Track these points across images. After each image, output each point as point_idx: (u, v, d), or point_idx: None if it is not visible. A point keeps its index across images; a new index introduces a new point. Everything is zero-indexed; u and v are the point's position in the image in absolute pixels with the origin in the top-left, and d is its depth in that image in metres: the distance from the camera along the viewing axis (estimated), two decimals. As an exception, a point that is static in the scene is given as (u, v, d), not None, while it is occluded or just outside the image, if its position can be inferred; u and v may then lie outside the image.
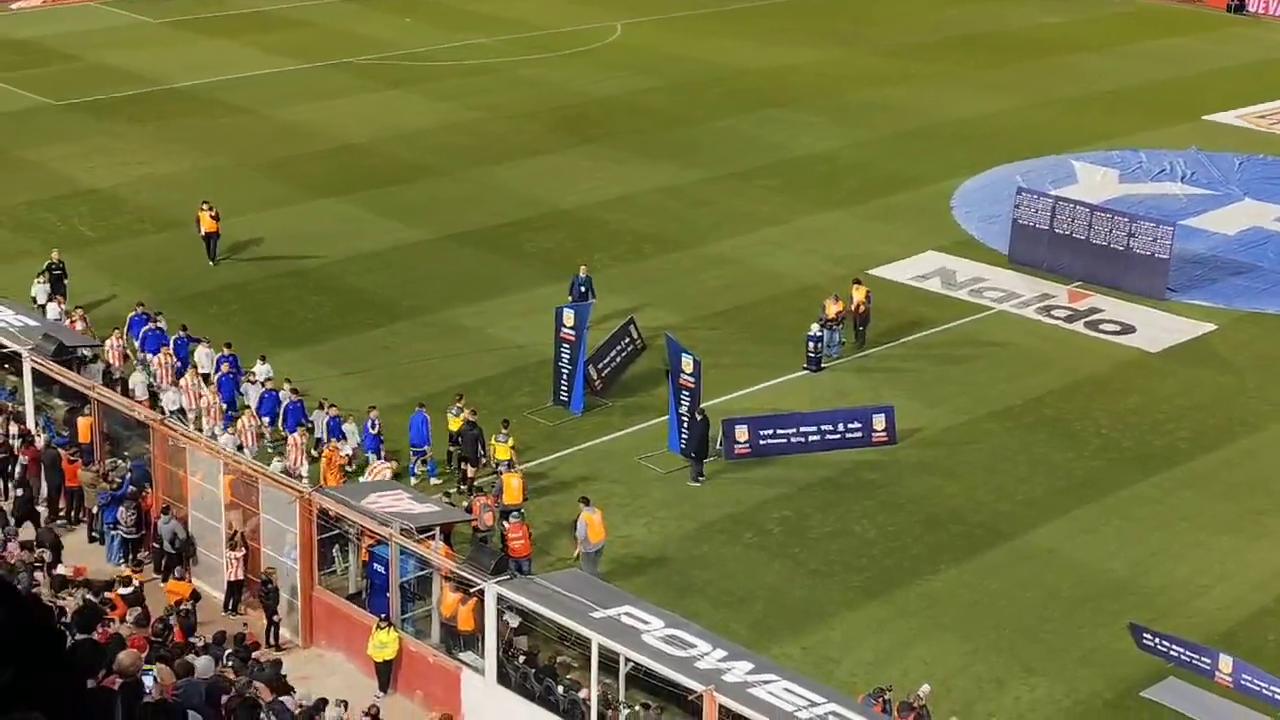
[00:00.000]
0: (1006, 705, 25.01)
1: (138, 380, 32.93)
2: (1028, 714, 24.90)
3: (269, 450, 31.28)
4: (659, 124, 54.55)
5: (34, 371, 31.58)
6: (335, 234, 43.86)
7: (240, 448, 30.22)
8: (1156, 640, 25.45)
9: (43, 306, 36.86)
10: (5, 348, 32.39)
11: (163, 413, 31.11)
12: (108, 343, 34.08)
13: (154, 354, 33.98)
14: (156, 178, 48.14)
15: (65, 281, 38.12)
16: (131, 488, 29.17)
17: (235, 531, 27.56)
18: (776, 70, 61.44)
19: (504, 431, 31.16)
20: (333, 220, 44.92)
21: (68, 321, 35.31)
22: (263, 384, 32.72)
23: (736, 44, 65.03)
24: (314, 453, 31.02)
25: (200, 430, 30.90)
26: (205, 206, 41.26)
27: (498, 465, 30.62)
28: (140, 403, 31.25)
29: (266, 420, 32.04)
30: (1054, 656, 26.40)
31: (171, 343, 34.28)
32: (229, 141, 51.52)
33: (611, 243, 43.72)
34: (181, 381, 32.88)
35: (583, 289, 37.64)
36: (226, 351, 33.59)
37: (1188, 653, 25.15)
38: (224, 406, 32.20)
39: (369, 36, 64.85)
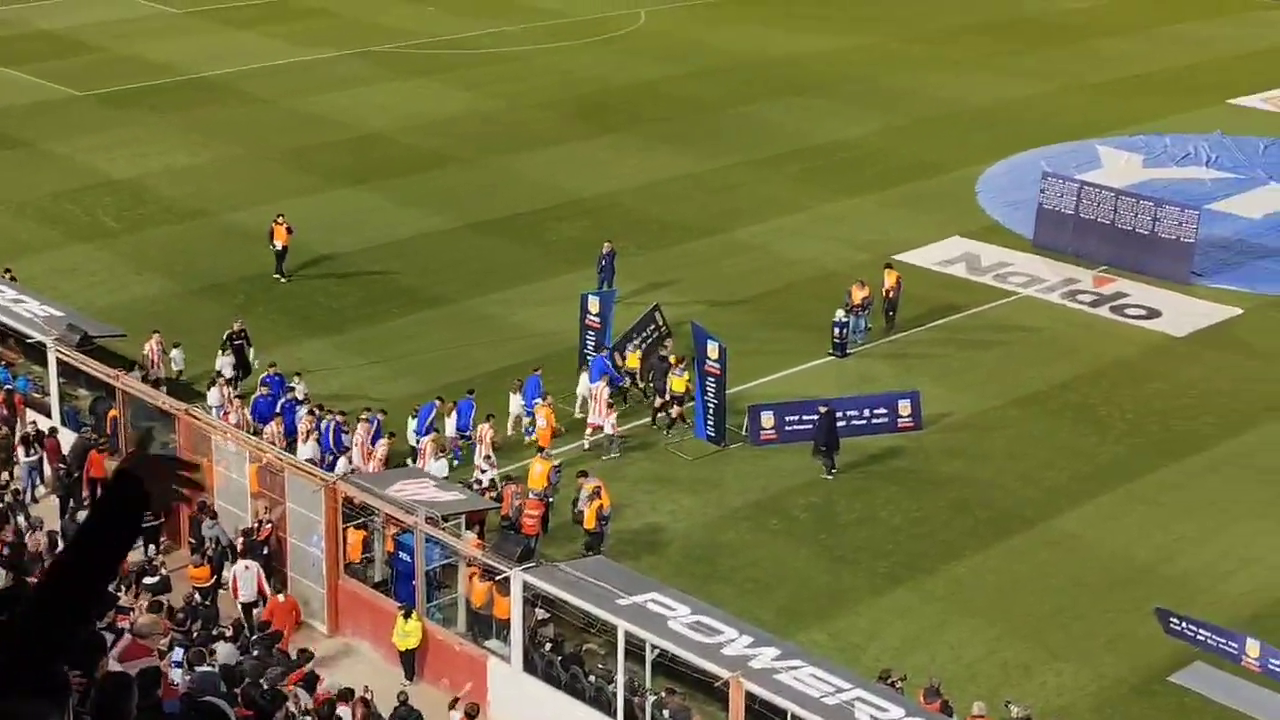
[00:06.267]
0: (1032, 691, 24.95)
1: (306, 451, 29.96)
2: (1054, 699, 24.85)
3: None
4: (682, 111, 54.43)
5: (59, 361, 31.67)
6: (357, 223, 43.88)
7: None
8: (1183, 625, 25.37)
9: (229, 381, 33.01)
10: (30, 338, 32.51)
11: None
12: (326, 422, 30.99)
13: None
14: (178, 168, 48.23)
15: (249, 351, 34.21)
16: None
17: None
18: (801, 57, 61.23)
19: (680, 366, 32.91)
20: (355, 210, 44.95)
21: (229, 409, 31.59)
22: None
23: (762, 30, 64.82)
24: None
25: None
26: (279, 219, 39.85)
27: (672, 398, 32.78)
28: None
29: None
30: (1080, 642, 26.35)
31: (280, 406, 31.55)
32: (250, 131, 51.57)
33: (634, 230, 43.64)
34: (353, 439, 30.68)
35: (603, 263, 37.75)
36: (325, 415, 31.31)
37: (1214, 637, 25.07)
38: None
39: (390, 25, 64.79)
